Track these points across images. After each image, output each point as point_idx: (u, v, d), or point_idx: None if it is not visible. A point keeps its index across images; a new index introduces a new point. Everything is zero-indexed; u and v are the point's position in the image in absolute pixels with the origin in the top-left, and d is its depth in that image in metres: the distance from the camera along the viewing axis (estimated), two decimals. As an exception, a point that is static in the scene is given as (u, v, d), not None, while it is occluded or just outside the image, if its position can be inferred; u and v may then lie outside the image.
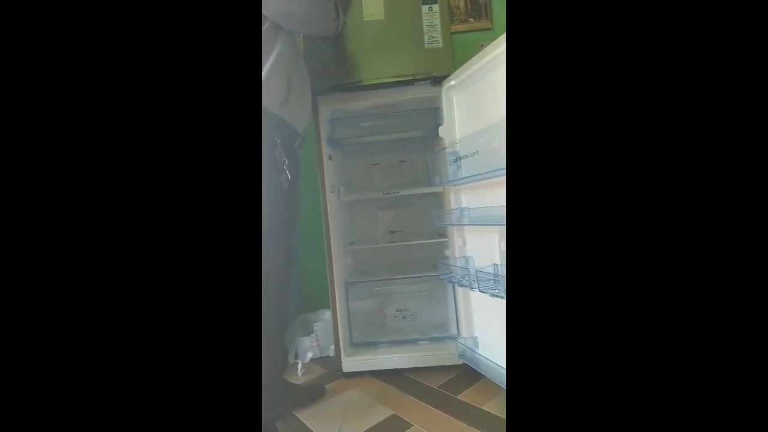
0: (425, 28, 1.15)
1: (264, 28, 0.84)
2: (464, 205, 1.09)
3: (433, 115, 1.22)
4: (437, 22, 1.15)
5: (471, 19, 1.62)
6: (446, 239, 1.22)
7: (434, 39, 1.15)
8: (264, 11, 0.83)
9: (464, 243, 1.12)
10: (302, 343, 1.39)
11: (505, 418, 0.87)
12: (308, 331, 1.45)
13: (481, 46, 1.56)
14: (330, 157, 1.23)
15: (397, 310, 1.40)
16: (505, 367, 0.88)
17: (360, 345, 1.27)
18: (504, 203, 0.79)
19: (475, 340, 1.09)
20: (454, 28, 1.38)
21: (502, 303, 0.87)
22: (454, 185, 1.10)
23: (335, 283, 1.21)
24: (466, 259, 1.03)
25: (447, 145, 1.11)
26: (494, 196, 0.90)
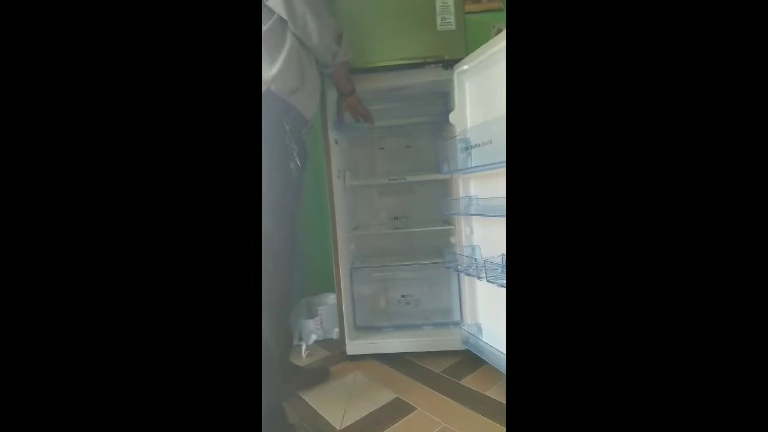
0: (438, 9, 1.10)
1: (271, 21, 0.82)
2: (473, 193, 1.08)
3: (443, 100, 1.20)
4: (450, 3, 1.10)
5: (484, 0, 1.56)
6: (452, 227, 1.22)
7: (447, 21, 1.11)
8: (269, 4, 0.81)
9: (471, 231, 1.11)
10: (306, 326, 1.41)
11: (506, 403, 0.89)
12: (312, 314, 1.46)
13: (495, 28, 1.53)
14: (336, 142, 1.21)
15: (401, 296, 1.42)
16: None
17: (364, 329, 1.29)
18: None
19: (479, 327, 1.10)
20: (466, 8, 1.34)
21: (508, 293, 0.87)
22: (464, 174, 1.09)
23: (340, 267, 1.21)
24: (473, 248, 1.03)
25: (458, 133, 1.09)
26: (504, 186, 0.89)
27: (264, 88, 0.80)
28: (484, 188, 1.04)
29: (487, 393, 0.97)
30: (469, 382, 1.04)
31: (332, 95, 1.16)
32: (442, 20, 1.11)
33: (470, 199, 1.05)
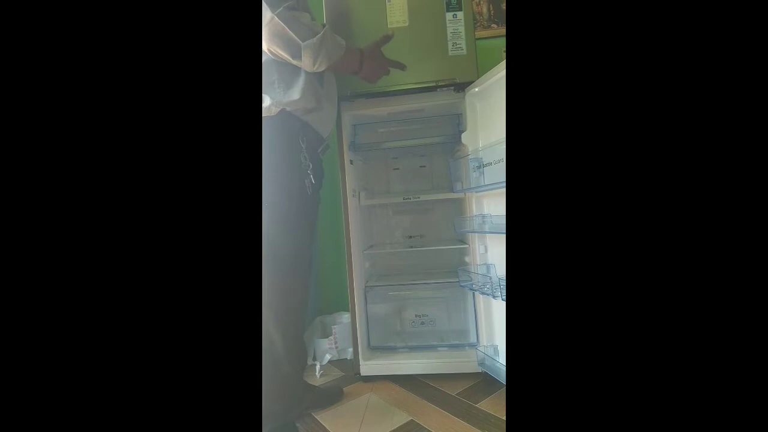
0: (449, 35, 1.15)
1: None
2: (486, 211, 1.09)
3: (455, 122, 1.23)
4: (461, 29, 1.15)
5: (494, 25, 1.62)
6: (466, 246, 1.21)
7: (458, 46, 1.15)
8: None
9: (486, 250, 1.11)
10: (320, 345, 1.41)
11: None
12: (326, 333, 1.46)
13: (504, 52, 1.56)
14: (351, 162, 1.25)
15: (415, 316, 1.40)
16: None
17: (378, 349, 1.27)
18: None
19: (495, 348, 1.08)
20: (476, 34, 1.38)
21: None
22: (477, 192, 1.10)
23: (354, 286, 1.22)
24: (488, 267, 1.02)
25: (470, 152, 1.10)
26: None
27: (278, 109, 0.83)
28: (498, 206, 1.04)
29: (504, 417, 0.94)
30: (486, 405, 1.00)
31: (347, 117, 1.21)
32: (453, 46, 1.15)
33: (484, 217, 1.05)
